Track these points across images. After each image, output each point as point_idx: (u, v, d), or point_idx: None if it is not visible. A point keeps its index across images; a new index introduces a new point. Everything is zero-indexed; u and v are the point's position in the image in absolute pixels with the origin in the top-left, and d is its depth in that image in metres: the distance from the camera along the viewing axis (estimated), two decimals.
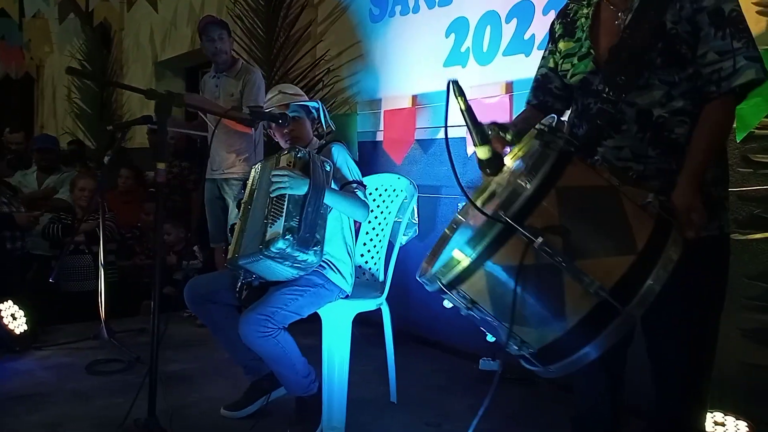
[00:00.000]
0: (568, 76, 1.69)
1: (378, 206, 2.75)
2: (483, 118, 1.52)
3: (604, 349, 1.22)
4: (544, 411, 2.60)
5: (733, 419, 2.16)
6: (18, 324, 3.27)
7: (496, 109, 3.17)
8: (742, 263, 2.35)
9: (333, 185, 2.33)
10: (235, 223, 2.45)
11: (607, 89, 1.51)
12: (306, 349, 2.38)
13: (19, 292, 3.42)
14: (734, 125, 2.30)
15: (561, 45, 1.72)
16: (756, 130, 2.31)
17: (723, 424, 2.15)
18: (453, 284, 1.31)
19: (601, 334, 1.20)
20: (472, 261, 1.25)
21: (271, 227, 2.14)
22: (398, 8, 3.88)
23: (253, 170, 2.51)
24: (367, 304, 2.48)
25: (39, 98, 10.40)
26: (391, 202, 2.70)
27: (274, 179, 2.17)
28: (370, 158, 3.95)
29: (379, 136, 3.90)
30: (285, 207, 2.16)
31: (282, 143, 2.54)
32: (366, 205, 2.40)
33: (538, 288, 1.24)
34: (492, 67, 3.35)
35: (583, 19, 1.67)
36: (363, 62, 4.13)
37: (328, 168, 2.32)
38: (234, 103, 3.68)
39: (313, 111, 2.58)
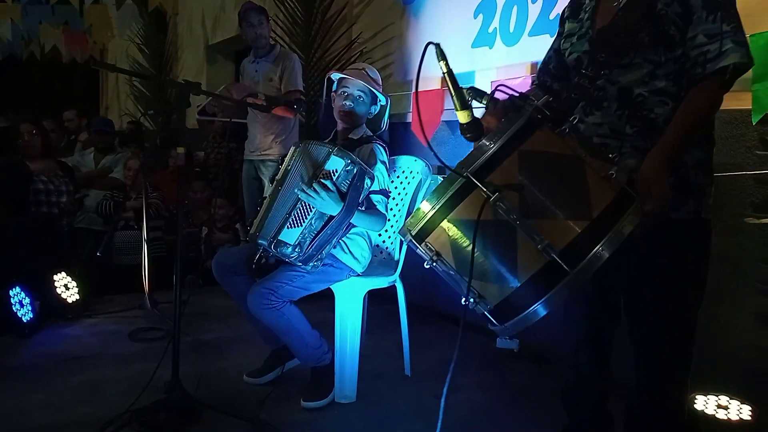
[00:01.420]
0: (566, 55, 1.74)
1: (396, 187, 2.83)
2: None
3: (553, 308, 1.29)
4: (555, 389, 2.64)
5: (738, 402, 2.16)
6: (70, 294, 3.54)
7: (519, 90, 3.18)
8: (757, 247, 2.32)
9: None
10: (265, 198, 2.55)
11: (586, 65, 1.55)
12: (328, 323, 2.52)
13: (72, 264, 3.70)
14: (752, 109, 2.26)
15: (566, 26, 1.78)
16: None
17: (726, 408, 2.15)
18: (421, 236, 1.41)
19: (550, 293, 1.27)
20: (435, 212, 1.35)
21: (287, 229, 2.27)
22: None
23: (292, 149, 2.48)
24: (380, 282, 2.59)
25: (103, 81, 10.94)
26: (408, 183, 2.78)
27: (309, 191, 2.21)
28: (401, 139, 4.02)
29: (410, 118, 3.97)
30: (308, 218, 2.27)
31: (335, 114, 2.57)
32: (384, 219, 2.46)
33: (495, 243, 1.32)
34: (518, 47, 3.35)
35: (587, 1, 1.71)
36: (395, 44, 4.19)
37: (367, 184, 2.33)
38: (273, 87, 3.81)
39: (378, 104, 2.62)
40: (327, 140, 2.62)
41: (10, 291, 3.14)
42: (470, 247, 1.32)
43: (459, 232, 1.35)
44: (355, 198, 2.29)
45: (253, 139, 3.89)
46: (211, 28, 7.01)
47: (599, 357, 1.79)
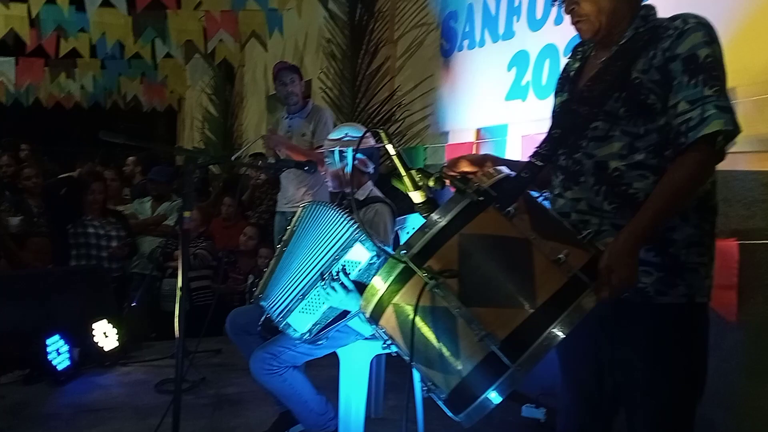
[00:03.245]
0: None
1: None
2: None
3: (505, 396, 1.21)
4: None
5: None
6: (108, 341, 3.65)
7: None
8: None
9: None
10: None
11: (543, 143, 1.46)
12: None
13: (113, 312, 3.82)
14: None
15: (556, 101, 1.71)
16: None
17: None
18: (374, 317, 1.35)
19: (495, 384, 1.19)
20: (383, 293, 1.30)
21: (300, 313, 2.17)
22: (466, 42, 3.89)
23: (300, 209, 2.42)
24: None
25: (180, 128, 11.58)
26: None
27: (327, 288, 2.05)
28: (437, 192, 3.95)
29: None
30: (322, 308, 2.13)
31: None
32: None
33: (437, 331, 1.25)
34: (551, 100, 3.23)
35: (572, 73, 1.63)
36: (434, 96, 4.16)
37: None
38: (306, 141, 3.87)
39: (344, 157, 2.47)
40: (335, 202, 2.59)
41: (48, 339, 3.26)
42: (416, 334, 1.25)
43: (405, 318, 1.27)
44: None
45: (285, 191, 3.94)
46: (272, 79, 7.27)
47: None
